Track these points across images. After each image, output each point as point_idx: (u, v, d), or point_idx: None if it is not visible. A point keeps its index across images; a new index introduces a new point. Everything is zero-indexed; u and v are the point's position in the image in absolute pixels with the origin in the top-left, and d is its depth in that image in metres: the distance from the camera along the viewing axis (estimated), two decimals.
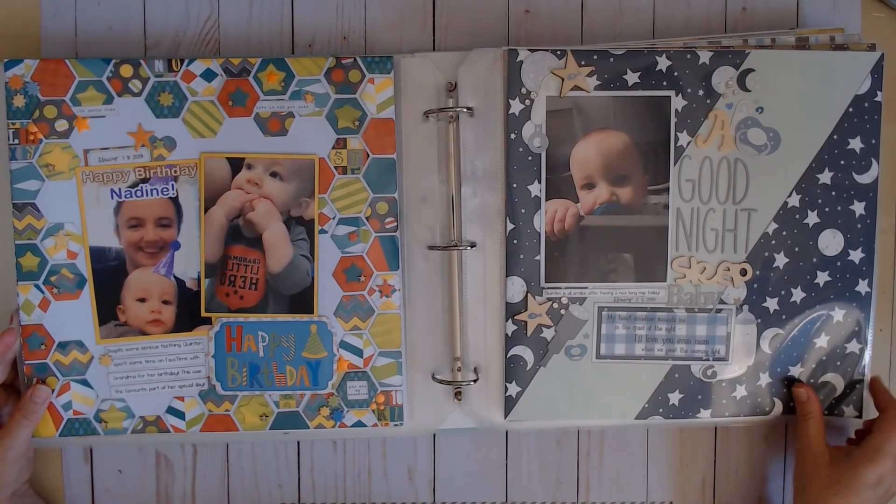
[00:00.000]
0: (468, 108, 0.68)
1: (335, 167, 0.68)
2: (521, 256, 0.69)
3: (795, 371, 0.70)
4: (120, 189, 0.68)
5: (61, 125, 0.67)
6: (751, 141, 0.68)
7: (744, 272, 0.69)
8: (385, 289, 0.69)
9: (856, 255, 0.69)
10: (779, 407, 0.71)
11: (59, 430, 0.69)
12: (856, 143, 0.68)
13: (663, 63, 0.67)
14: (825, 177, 0.68)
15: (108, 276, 0.68)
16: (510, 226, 0.68)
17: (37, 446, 0.70)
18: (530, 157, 0.68)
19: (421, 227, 0.70)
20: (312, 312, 0.69)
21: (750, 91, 0.67)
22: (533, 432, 0.74)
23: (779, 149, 0.68)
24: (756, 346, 0.70)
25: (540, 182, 0.68)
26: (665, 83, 0.68)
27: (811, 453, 0.67)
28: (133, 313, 0.68)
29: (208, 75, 0.67)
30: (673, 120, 0.68)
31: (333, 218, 0.68)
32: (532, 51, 0.67)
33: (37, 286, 0.68)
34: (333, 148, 0.68)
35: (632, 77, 0.68)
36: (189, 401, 0.69)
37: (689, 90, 0.68)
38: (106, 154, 0.67)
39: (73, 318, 0.68)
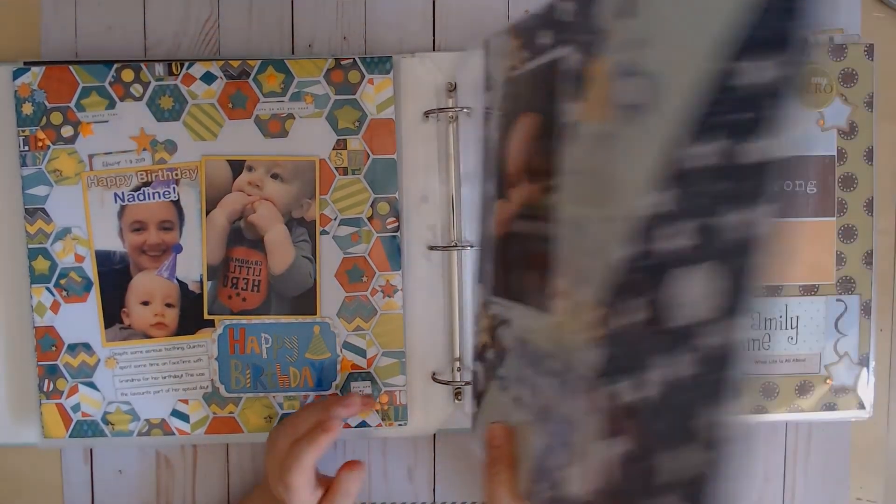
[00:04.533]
0: (468, 109, 0.68)
1: (336, 168, 0.68)
2: (482, 261, 0.60)
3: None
4: (123, 193, 0.68)
5: (67, 131, 0.68)
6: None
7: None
8: (387, 289, 0.69)
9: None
10: None
11: (69, 432, 0.69)
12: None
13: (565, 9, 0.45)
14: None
15: (113, 279, 0.69)
16: (478, 229, 0.61)
17: (46, 447, 0.71)
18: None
19: (422, 227, 0.70)
20: (315, 314, 0.69)
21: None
22: None
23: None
24: None
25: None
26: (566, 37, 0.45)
27: None
28: (137, 316, 0.69)
29: (208, 78, 0.68)
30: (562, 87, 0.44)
31: (335, 219, 0.69)
32: (497, 35, 0.56)
33: (48, 289, 0.69)
34: (334, 149, 0.68)
35: (545, 37, 0.47)
36: (193, 403, 0.70)
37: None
38: (109, 158, 0.68)
39: (81, 320, 0.69)
